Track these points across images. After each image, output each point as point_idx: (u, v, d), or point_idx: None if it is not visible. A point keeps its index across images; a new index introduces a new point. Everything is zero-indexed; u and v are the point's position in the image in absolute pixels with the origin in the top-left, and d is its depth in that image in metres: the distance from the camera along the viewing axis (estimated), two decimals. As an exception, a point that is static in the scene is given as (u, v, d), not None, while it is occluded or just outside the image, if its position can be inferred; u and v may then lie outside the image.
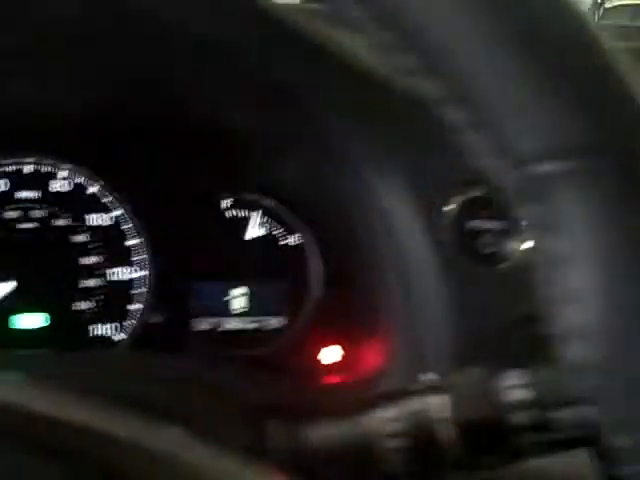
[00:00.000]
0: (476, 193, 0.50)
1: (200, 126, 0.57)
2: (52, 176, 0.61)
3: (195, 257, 0.62)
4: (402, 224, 0.50)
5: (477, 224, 0.50)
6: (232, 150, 0.59)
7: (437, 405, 0.31)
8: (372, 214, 0.52)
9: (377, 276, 0.55)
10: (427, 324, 0.50)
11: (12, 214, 0.59)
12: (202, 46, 0.43)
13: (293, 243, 0.64)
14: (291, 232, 0.64)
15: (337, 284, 0.63)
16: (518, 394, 0.31)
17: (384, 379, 0.54)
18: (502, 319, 0.48)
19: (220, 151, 0.59)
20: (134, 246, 0.61)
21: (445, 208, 0.49)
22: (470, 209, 0.50)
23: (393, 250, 0.51)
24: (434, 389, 0.32)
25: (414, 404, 0.32)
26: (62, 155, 0.61)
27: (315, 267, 0.64)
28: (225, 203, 0.63)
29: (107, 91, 0.56)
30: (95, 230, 0.60)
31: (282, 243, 0.64)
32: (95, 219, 0.61)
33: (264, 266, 0.64)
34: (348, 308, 0.61)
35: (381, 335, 0.57)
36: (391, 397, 0.32)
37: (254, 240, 0.64)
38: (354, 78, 0.45)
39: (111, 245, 0.60)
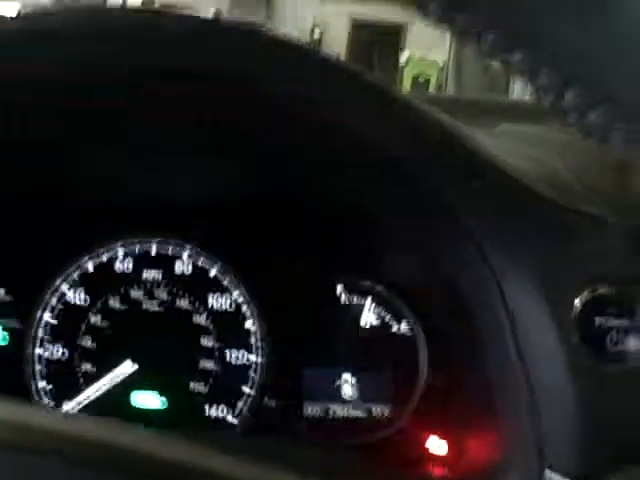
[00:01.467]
0: (604, 290, 0.50)
1: (320, 214, 0.59)
2: (175, 258, 0.63)
3: (309, 341, 0.62)
4: (527, 320, 0.50)
5: (605, 321, 0.50)
6: (351, 237, 0.61)
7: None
8: (495, 308, 0.52)
9: (496, 371, 0.55)
10: (550, 421, 0.49)
11: (137, 294, 0.62)
12: (358, 146, 0.45)
13: (403, 331, 0.65)
14: (402, 320, 0.65)
15: (447, 375, 0.62)
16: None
17: (499, 475, 0.53)
18: (631, 419, 0.47)
19: (339, 237, 0.61)
20: (251, 329, 0.62)
21: (572, 305, 0.49)
22: (598, 306, 0.50)
23: (516, 345, 0.51)
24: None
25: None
26: (185, 238, 0.63)
27: (424, 356, 0.64)
28: (340, 288, 0.64)
29: (235, 181, 0.59)
30: (215, 312, 0.62)
31: (393, 331, 0.65)
32: (216, 301, 0.62)
33: (375, 353, 0.64)
34: (459, 399, 0.60)
35: (495, 430, 0.56)
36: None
37: (367, 327, 0.64)
38: (492, 178, 0.46)
39: (230, 327, 0.62)
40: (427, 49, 3.86)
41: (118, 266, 0.63)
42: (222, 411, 0.61)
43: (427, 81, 3.89)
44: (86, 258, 0.62)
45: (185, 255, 0.63)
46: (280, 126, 0.48)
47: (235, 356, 0.62)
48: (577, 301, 0.49)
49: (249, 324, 0.62)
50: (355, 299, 0.65)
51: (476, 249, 0.49)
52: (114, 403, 0.60)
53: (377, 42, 4.37)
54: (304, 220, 0.61)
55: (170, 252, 0.63)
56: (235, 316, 0.62)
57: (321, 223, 0.60)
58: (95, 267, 0.62)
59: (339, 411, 0.63)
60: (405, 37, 4.33)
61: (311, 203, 0.58)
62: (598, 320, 0.50)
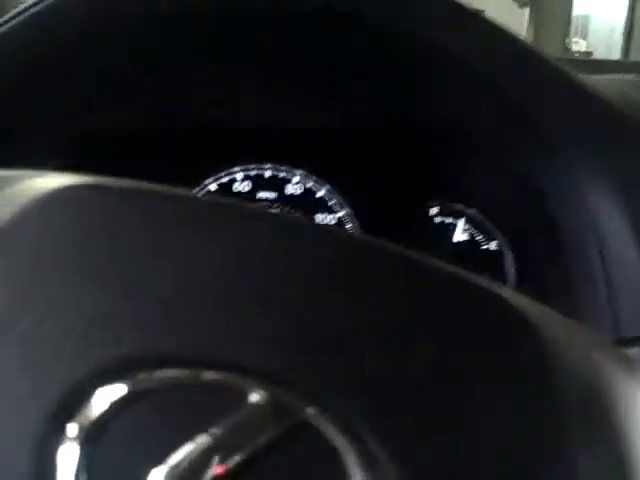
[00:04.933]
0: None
1: (423, 138, 0.65)
2: (287, 181, 0.71)
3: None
4: (614, 236, 0.55)
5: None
6: (445, 161, 0.67)
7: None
8: (580, 222, 0.57)
9: (580, 282, 0.60)
10: (631, 327, 0.54)
11: (254, 212, 0.70)
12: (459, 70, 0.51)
13: (492, 249, 0.71)
14: (491, 239, 0.71)
15: (533, 288, 0.68)
16: None
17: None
18: None
19: (435, 162, 0.67)
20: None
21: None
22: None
23: (601, 258, 0.56)
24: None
25: None
26: (295, 163, 0.71)
27: (512, 272, 0.70)
28: (433, 210, 0.71)
29: (344, 110, 0.65)
30: (323, 229, 0.70)
31: (482, 248, 0.71)
32: (323, 219, 0.70)
33: (465, 269, 0.70)
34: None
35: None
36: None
37: (458, 245, 0.71)
38: (578, 92, 0.51)
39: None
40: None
41: (236, 187, 0.71)
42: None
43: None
44: (211, 180, 0.70)
45: (296, 178, 0.71)
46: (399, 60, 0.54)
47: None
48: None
49: (352, 239, 0.70)
50: (447, 220, 0.71)
51: (563, 164, 0.54)
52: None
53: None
54: (404, 146, 0.67)
55: (282, 175, 0.71)
56: (340, 232, 0.70)
57: (419, 148, 0.67)
58: (217, 187, 0.71)
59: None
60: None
61: (414, 125, 0.64)
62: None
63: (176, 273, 0.21)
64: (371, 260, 0.24)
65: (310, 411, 0.21)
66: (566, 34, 3.92)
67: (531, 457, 0.22)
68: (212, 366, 0.21)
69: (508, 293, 0.27)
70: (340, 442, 0.21)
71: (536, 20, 3.68)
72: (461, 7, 0.50)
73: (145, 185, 0.24)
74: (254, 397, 0.21)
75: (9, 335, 0.20)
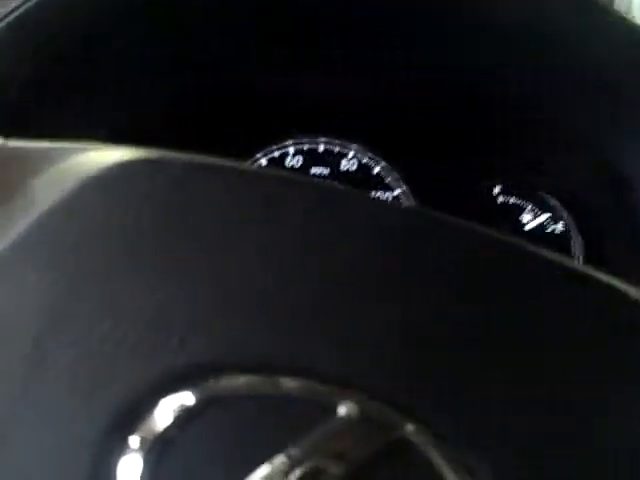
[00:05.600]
0: None
1: (486, 112, 0.61)
2: (342, 156, 0.67)
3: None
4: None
5: None
6: (508, 137, 0.62)
7: None
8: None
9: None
10: None
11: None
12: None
13: (559, 231, 0.67)
14: (558, 221, 0.66)
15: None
16: None
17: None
18: None
19: (500, 140, 0.63)
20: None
21: None
22: None
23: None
24: None
25: None
26: (350, 138, 0.67)
27: (580, 255, 0.66)
28: (496, 190, 0.67)
29: (404, 84, 0.61)
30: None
31: (548, 231, 0.67)
32: (379, 196, 0.67)
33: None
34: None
35: None
36: None
37: (523, 226, 0.67)
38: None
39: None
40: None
41: (289, 162, 0.68)
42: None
43: None
44: (261, 154, 0.67)
45: (351, 153, 0.67)
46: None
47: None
48: None
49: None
50: (512, 200, 0.67)
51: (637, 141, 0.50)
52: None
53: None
54: (466, 123, 0.63)
55: (337, 150, 0.67)
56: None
57: (481, 123, 0.62)
58: (268, 161, 0.67)
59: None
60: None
61: (477, 98, 0.60)
62: None
63: (253, 265, 0.18)
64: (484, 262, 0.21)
65: (410, 428, 0.18)
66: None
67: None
68: (294, 373, 0.18)
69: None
70: (438, 460, 0.18)
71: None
72: None
73: (215, 160, 0.21)
74: (343, 410, 0.18)
75: (62, 337, 0.18)
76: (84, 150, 0.21)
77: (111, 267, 0.18)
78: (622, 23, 0.47)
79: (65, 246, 0.19)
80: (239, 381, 0.18)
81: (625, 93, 0.48)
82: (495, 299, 0.20)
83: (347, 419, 0.18)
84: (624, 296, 0.21)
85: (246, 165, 0.20)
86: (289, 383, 0.18)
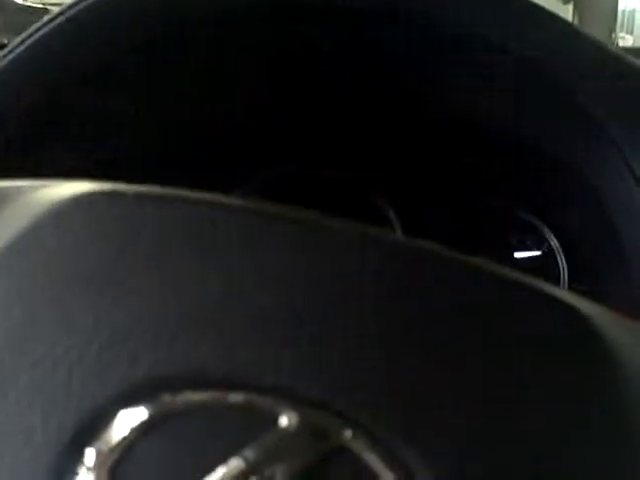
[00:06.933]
0: None
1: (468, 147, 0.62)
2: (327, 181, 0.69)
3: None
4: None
5: None
6: (492, 159, 0.64)
7: None
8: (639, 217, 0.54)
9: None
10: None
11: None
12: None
13: (543, 249, 0.68)
14: (542, 239, 0.67)
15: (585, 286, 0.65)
16: None
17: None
18: None
19: (482, 159, 0.64)
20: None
21: None
22: None
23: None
24: None
25: None
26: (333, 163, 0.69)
27: (563, 271, 0.67)
28: (480, 211, 0.68)
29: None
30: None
31: (532, 250, 0.68)
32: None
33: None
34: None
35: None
36: None
37: (509, 246, 0.68)
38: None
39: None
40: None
41: (272, 190, 0.69)
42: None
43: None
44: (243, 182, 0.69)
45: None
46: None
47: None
48: None
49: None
50: (496, 222, 0.68)
51: (619, 157, 0.51)
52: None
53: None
54: (450, 151, 0.64)
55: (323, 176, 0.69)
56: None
57: (466, 154, 0.64)
58: (250, 191, 0.69)
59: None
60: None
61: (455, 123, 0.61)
62: None
63: (200, 286, 0.19)
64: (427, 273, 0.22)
65: (348, 434, 0.19)
66: (612, 30, 3.82)
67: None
68: (240, 387, 0.19)
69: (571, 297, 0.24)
70: (379, 466, 0.19)
71: (580, 16, 3.59)
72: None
73: (167, 191, 0.22)
74: (284, 420, 0.19)
75: (20, 359, 0.19)
76: (40, 187, 0.22)
77: (66, 293, 0.20)
78: (591, 46, 0.48)
79: (22, 278, 0.20)
80: (188, 396, 0.19)
81: (596, 116, 0.49)
82: (432, 298, 0.21)
83: (288, 429, 0.19)
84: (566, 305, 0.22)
85: (197, 194, 0.21)
86: (234, 397, 0.19)
